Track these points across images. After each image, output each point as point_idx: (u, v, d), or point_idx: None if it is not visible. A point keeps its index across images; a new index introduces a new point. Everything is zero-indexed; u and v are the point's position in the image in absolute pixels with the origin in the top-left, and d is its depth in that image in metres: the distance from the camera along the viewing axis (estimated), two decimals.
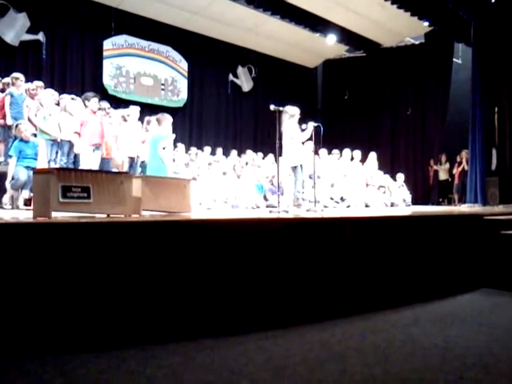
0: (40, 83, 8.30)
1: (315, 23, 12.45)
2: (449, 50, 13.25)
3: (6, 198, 6.62)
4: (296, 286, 3.76)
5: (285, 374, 2.56)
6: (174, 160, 9.44)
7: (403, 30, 13.25)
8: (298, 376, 2.52)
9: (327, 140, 7.74)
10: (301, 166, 7.08)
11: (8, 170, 6.63)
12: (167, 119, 7.66)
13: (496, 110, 10.93)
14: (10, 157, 6.70)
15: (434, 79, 13.57)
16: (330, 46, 13.97)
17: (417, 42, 14.24)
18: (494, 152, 11.02)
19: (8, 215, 4.69)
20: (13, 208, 6.46)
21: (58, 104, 7.84)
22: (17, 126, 6.84)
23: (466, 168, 12.08)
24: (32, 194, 5.39)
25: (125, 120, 8.40)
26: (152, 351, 2.85)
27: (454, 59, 13.42)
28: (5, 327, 2.68)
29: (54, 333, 2.78)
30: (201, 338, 3.09)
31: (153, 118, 8.17)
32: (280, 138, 6.49)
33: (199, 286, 3.31)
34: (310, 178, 7.39)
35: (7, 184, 6.64)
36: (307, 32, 13.23)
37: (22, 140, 6.70)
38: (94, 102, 7.39)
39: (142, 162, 8.25)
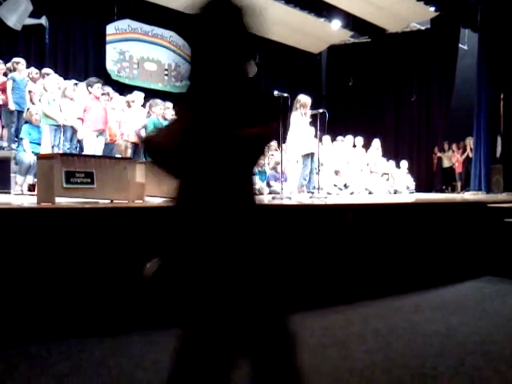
0: (49, 70, 8.27)
1: (320, 8, 12.31)
2: (455, 35, 13.10)
3: (18, 186, 6.70)
4: (298, 272, 3.77)
5: None
6: None
7: (409, 15, 13.09)
8: (299, 361, 2.54)
9: (331, 127, 7.70)
10: (312, 154, 6.99)
11: (23, 153, 6.72)
12: (157, 105, 7.72)
13: (502, 96, 10.84)
14: (21, 139, 6.80)
15: (439, 65, 13.44)
16: (334, 31, 13.82)
17: (423, 28, 14.08)
18: (498, 139, 10.96)
19: (13, 200, 4.70)
20: (17, 194, 6.49)
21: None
22: (28, 108, 7.01)
23: (470, 155, 12.04)
24: (36, 180, 5.40)
25: (129, 106, 8.37)
26: (155, 336, 2.87)
27: (460, 45, 13.28)
28: (9, 312, 2.70)
29: (58, 317, 2.81)
30: None
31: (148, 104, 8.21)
32: (283, 125, 6.46)
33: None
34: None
35: (13, 168, 6.72)
36: (312, 17, 13.08)
37: (31, 123, 6.87)
38: (96, 87, 7.35)
39: None
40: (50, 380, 2.25)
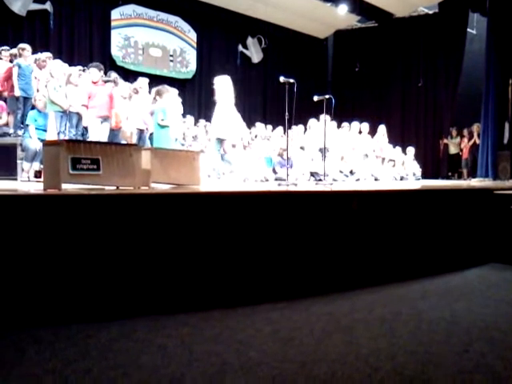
0: (49, 54, 8.23)
1: None
2: (463, 19, 12.93)
3: (24, 173, 6.74)
4: (304, 259, 3.78)
5: (292, 345, 2.59)
6: (183, 134, 9.42)
7: None
8: (305, 347, 2.56)
9: (337, 112, 7.67)
10: (223, 140, 6.91)
11: (29, 140, 6.77)
12: (168, 91, 7.58)
13: (510, 82, 10.73)
14: (27, 126, 6.85)
15: (447, 50, 13.30)
16: (341, 16, 13.69)
17: (430, 12, 13.90)
18: (506, 125, 10.87)
19: (20, 187, 4.73)
20: (24, 180, 6.53)
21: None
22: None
23: (477, 142, 11.95)
24: (42, 166, 5.42)
25: (136, 92, 8.33)
26: (161, 322, 2.89)
27: (469, 29, 13.12)
28: (18, 297, 2.73)
29: (66, 302, 2.83)
30: (209, 310, 3.13)
31: (153, 90, 8.10)
32: (289, 111, 6.43)
33: (208, 258, 3.34)
34: (320, 151, 7.34)
35: (19, 154, 6.76)
36: (318, 2, 12.96)
37: (37, 110, 6.97)
38: (94, 72, 7.30)
39: (151, 134, 8.23)
40: (57, 365, 2.27)
